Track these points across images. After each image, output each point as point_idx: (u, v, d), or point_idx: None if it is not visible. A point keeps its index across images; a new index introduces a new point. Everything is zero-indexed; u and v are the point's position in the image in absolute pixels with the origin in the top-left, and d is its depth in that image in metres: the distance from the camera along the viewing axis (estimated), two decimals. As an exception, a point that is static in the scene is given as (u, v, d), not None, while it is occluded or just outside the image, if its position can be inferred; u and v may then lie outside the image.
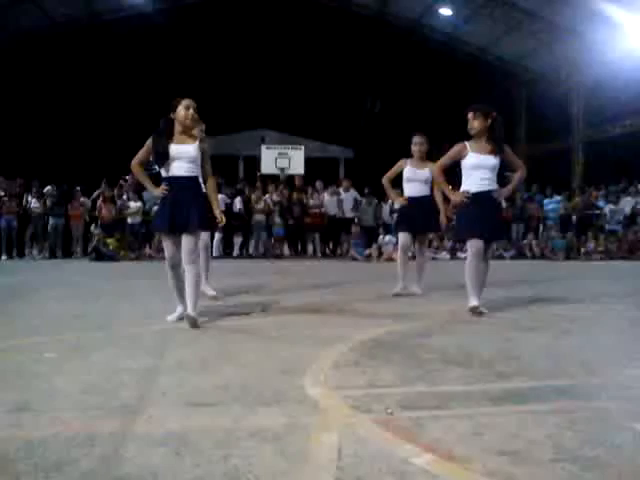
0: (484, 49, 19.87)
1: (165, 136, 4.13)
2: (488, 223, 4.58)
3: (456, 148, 4.64)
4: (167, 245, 4.19)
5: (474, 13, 18.06)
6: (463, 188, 4.63)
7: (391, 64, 19.28)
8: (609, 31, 15.32)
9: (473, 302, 4.52)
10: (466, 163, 4.60)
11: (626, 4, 14.54)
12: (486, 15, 17.67)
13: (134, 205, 13.34)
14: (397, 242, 6.52)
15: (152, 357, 3.03)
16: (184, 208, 4.07)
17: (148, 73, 16.98)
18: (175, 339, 3.57)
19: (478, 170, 4.55)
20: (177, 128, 4.16)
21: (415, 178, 5.95)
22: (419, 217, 5.91)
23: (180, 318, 4.18)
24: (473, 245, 4.56)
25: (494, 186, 4.61)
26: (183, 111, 4.13)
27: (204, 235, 5.56)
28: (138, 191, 13.54)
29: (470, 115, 4.57)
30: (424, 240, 6.25)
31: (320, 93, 19.00)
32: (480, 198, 4.55)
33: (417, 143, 5.98)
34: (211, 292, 5.60)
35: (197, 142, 4.18)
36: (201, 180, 4.41)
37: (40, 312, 4.64)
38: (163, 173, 4.16)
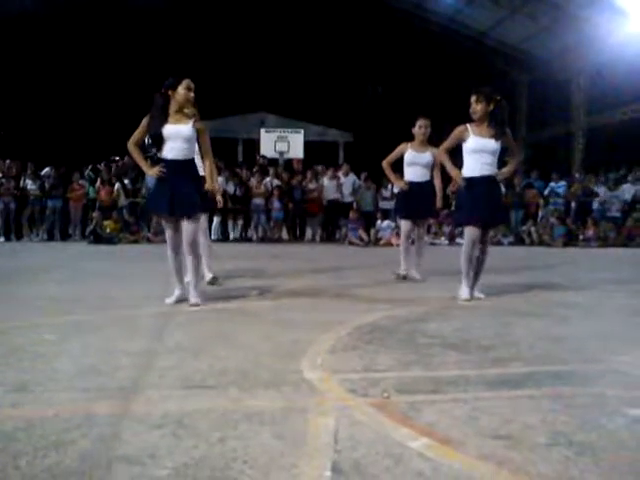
0: (485, 33, 19.68)
1: (162, 116, 4.10)
2: (487, 208, 4.54)
3: (457, 130, 4.61)
4: (167, 228, 4.25)
5: (476, -4, 17.89)
6: (463, 172, 4.60)
7: (392, 48, 19.11)
8: (612, 16, 15.17)
9: (464, 294, 4.55)
10: (467, 147, 4.56)
11: (630, -11, 14.42)
12: (488, -1, 17.50)
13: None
14: (395, 227, 6.53)
15: (150, 339, 3.04)
16: (182, 192, 4.07)
17: (146, 53, 16.80)
18: (173, 321, 3.58)
19: (479, 154, 4.51)
20: (173, 107, 4.12)
21: (416, 162, 5.91)
22: (420, 202, 5.89)
23: (178, 301, 4.22)
24: (469, 232, 4.55)
25: (494, 171, 4.59)
26: (184, 91, 4.09)
27: (202, 220, 5.57)
28: (136, 175, 13.50)
29: (473, 98, 4.52)
30: (424, 225, 6.25)
31: (320, 77, 18.86)
32: (480, 183, 4.52)
33: (422, 126, 5.91)
34: (209, 275, 5.59)
35: (192, 121, 4.15)
36: (198, 161, 4.42)
37: (39, 294, 4.64)
38: (160, 154, 4.15)
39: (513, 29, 18.55)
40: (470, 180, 4.55)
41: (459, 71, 17.90)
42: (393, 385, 2.23)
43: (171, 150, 4.10)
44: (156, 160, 4.26)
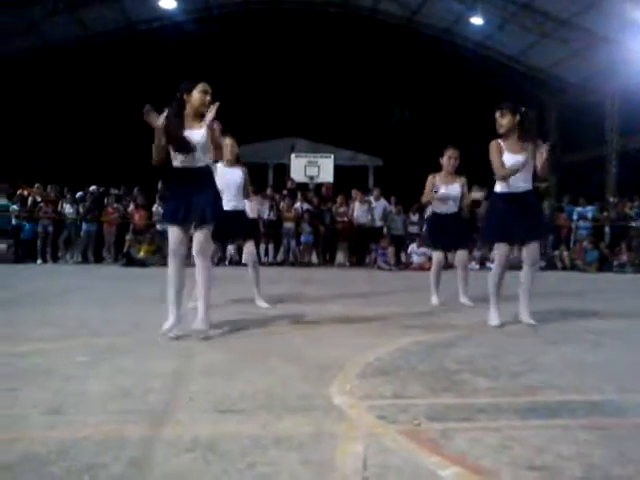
0: (516, 58, 19.68)
1: (178, 120, 3.86)
2: (523, 223, 4.35)
3: (494, 146, 4.43)
4: (172, 236, 3.89)
5: (506, 22, 17.89)
6: (496, 188, 4.49)
7: (420, 73, 19.22)
8: (644, 40, 15.07)
9: (494, 321, 4.45)
10: None
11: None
12: (518, 24, 17.50)
13: (156, 208, 13.57)
14: (428, 252, 6.52)
15: (180, 362, 3.07)
16: (195, 200, 3.82)
17: (178, 81, 17.16)
18: (203, 345, 3.61)
19: None
20: (188, 112, 3.91)
21: (446, 195, 5.85)
22: (451, 234, 5.85)
23: (173, 328, 3.83)
24: (499, 250, 4.46)
25: (529, 186, 4.44)
26: (199, 95, 3.89)
27: (250, 245, 5.61)
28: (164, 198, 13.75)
29: (498, 114, 4.43)
30: (464, 255, 6.12)
31: (349, 102, 19.01)
32: (514, 198, 4.38)
33: (451, 157, 5.84)
34: (264, 304, 5.49)
35: (205, 127, 3.89)
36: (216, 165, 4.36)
37: (72, 316, 4.72)
38: (174, 162, 3.90)
39: (544, 53, 18.50)
40: (503, 196, 4.43)
41: (489, 95, 17.85)
42: (423, 412, 2.20)
43: (185, 158, 3.87)
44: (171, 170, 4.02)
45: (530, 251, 4.45)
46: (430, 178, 5.92)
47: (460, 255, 6.02)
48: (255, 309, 5.30)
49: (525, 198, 4.42)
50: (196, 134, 3.86)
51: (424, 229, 6.87)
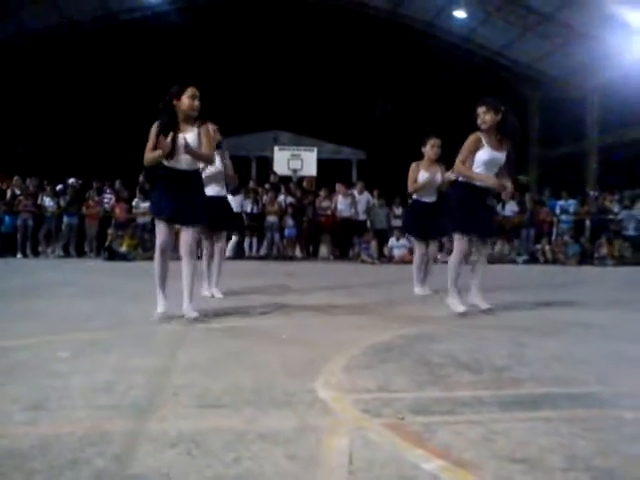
0: (498, 52, 19.78)
1: (172, 126, 4.02)
2: (484, 220, 4.58)
3: (472, 139, 4.52)
4: (161, 231, 4.11)
5: (489, 16, 17.96)
6: (461, 178, 4.61)
7: (403, 66, 19.23)
8: (625, 35, 15.21)
9: (459, 308, 4.54)
10: (479, 158, 4.49)
11: (643, 8, 14.42)
12: (501, 18, 17.58)
13: (143, 206, 13.44)
14: (408, 244, 6.56)
15: (164, 357, 3.05)
16: (186, 201, 4.04)
17: (159, 71, 16.96)
18: (187, 339, 3.59)
19: (489, 167, 4.49)
20: (179, 116, 4.08)
21: (429, 182, 5.90)
22: (431, 222, 5.90)
23: (164, 314, 4.09)
24: (462, 242, 4.56)
25: None
26: (188, 100, 4.04)
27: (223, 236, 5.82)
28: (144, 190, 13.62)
29: (482, 109, 4.48)
30: (435, 243, 6.26)
31: (332, 94, 18.96)
32: (481, 193, 4.54)
33: (434, 145, 5.92)
34: (218, 295, 5.65)
35: (196, 129, 4.11)
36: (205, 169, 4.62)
37: (54, 311, 4.67)
38: (165, 162, 4.06)
39: (526, 48, 18.62)
40: (466, 186, 4.55)
41: (471, 89, 17.91)
42: (407, 406, 2.21)
43: (176, 160, 4.04)
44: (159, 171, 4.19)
45: (485, 249, 4.71)
46: (413, 166, 5.97)
47: (432, 246, 6.10)
48: (239, 302, 5.28)
49: (488, 196, 4.65)
50: (188, 137, 4.03)
51: (405, 217, 6.97)
